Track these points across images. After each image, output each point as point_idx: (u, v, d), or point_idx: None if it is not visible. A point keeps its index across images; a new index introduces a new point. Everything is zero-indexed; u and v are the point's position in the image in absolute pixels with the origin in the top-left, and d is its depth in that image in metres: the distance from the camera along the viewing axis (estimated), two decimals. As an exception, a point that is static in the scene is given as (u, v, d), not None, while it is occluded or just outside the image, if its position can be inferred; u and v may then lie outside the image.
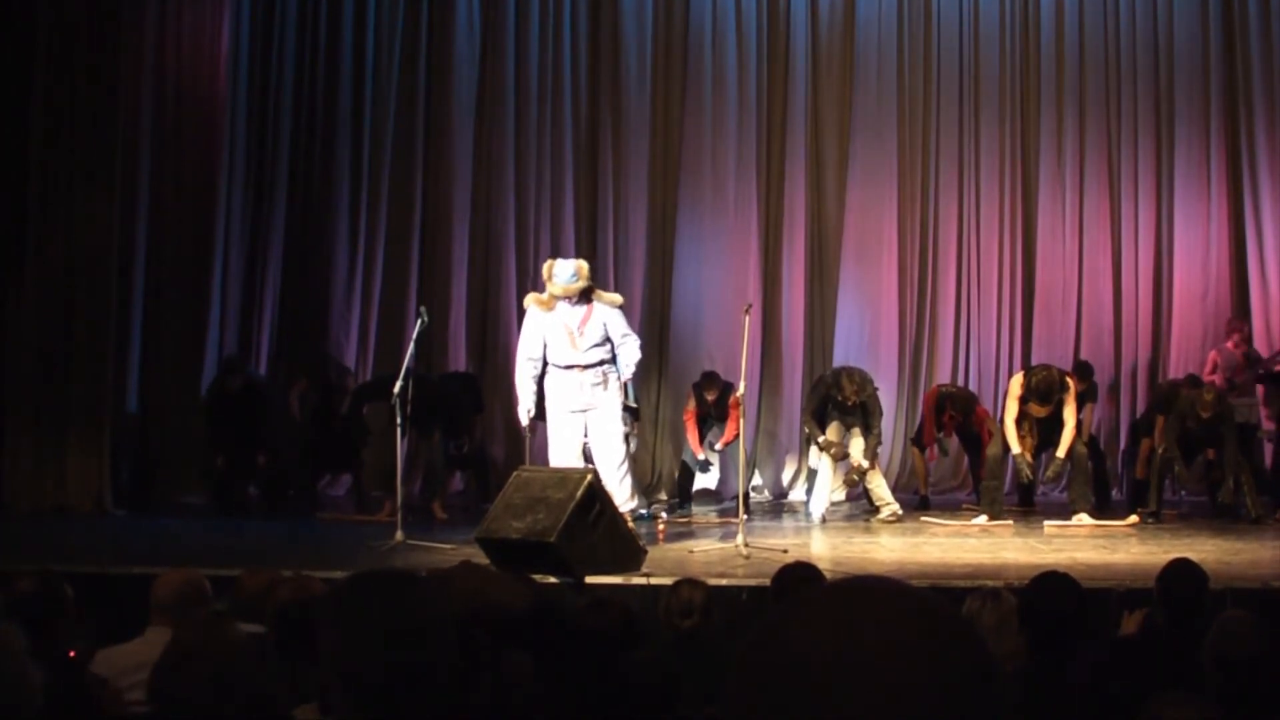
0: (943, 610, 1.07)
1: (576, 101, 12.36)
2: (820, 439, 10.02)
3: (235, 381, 10.61)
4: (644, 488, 11.11)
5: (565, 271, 8.31)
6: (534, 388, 8.42)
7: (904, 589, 1.09)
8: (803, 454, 11.87)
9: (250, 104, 11.94)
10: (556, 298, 8.30)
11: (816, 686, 1.01)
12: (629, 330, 8.47)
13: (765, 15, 12.35)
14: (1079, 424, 9.90)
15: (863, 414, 9.98)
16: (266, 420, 10.75)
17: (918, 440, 11.26)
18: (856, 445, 10.01)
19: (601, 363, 8.32)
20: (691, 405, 10.93)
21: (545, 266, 8.48)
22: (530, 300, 8.52)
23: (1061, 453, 9.75)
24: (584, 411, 8.32)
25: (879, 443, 10.29)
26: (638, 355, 8.43)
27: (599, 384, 8.30)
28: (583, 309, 8.32)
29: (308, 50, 12.15)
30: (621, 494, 8.24)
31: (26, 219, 10.09)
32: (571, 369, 8.30)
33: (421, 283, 12.15)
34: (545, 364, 8.42)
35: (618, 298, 8.64)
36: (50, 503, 10.08)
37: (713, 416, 10.91)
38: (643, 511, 9.46)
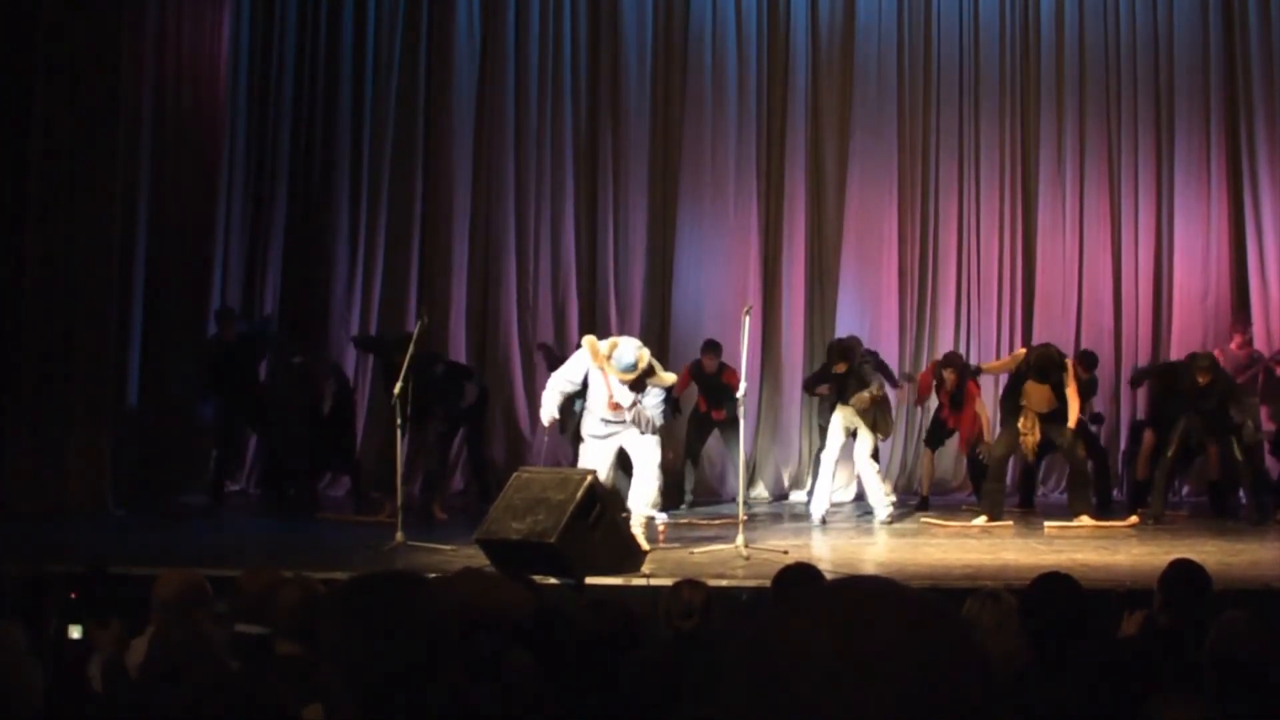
0: (941, 611, 1.07)
1: (576, 102, 12.36)
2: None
3: (230, 332, 10.75)
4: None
5: (625, 359, 8.21)
6: (559, 400, 8.50)
7: (903, 590, 1.09)
8: (803, 455, 11.88)
9: (250, 104, 11.96)
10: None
11: (815, 687, 1.01)
12: (662, 397, 8.50)
13: (765, 16, 12.34)
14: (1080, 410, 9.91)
15: (860, 378, 9.88)
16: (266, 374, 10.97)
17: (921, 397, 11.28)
18: (862, 445, 9.97)
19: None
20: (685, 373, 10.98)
21: (609, 342, 8.40)
22: (588, 344, 8.46)
23: (1071, 422, 9.70)
24: (616, 435, 8.45)
25: (881, 393, 10.15)
26: (649, 414, 8.40)
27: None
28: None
29: (308, 50, 12.15)
30: (647, 498, 8.38)
31: (26, 220, 10.08)
32: (606, 421, 8.42)
33: (421, 283, 12.15)
34: (578, 388, 8.46)
35: (670, 379, 8.63)
36: (50, 503, 10.07)
37: (711, 387, 10.92)
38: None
